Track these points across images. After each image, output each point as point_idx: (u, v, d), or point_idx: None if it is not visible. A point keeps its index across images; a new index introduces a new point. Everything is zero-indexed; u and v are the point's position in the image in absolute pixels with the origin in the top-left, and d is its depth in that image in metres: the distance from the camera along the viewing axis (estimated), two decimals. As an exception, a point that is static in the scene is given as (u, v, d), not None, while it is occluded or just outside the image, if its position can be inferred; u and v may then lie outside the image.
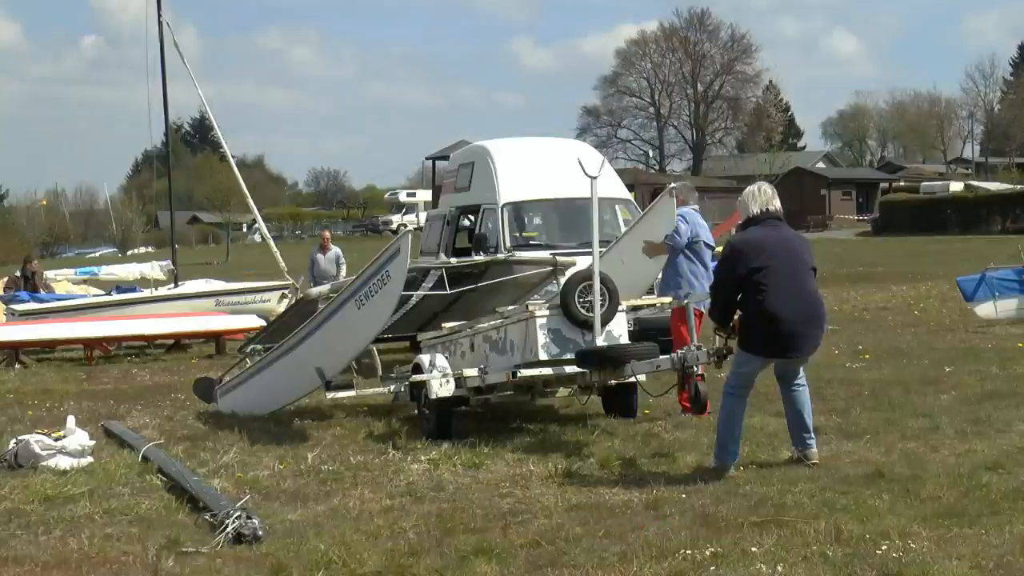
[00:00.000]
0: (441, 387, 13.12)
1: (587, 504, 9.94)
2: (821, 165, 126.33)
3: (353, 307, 13.17)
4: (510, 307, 13.86)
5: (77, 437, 12.31)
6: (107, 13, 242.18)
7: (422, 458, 12.02)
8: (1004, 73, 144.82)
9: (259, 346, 16.22)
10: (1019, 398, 13.97)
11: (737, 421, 11.07)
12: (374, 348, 14.20)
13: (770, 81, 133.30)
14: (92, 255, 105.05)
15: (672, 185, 14.10)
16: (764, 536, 8.52)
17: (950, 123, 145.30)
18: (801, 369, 11.20)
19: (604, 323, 12.64)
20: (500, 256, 16.65)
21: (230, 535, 9.00)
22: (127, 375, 21.55)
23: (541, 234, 20.40)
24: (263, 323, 24.48)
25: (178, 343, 25.87)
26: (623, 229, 20.02)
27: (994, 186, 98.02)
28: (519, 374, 12.78)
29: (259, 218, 36.13)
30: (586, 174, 12.67)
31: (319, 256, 27.70)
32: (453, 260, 16.38)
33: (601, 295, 12.56)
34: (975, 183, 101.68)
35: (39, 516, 10.08)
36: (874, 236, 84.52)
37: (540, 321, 12.68)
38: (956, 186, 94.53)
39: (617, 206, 20.72)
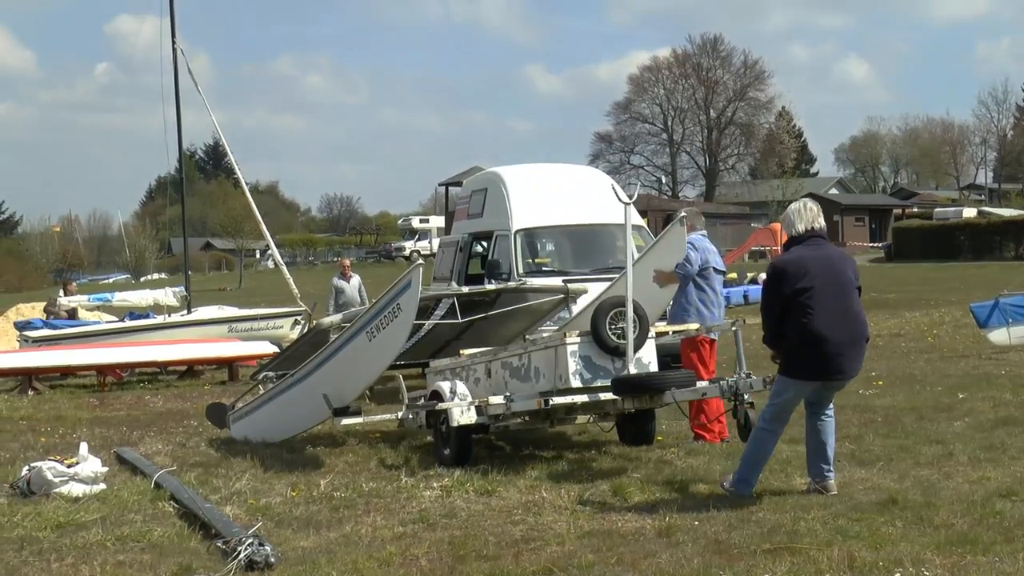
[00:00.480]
0: (463, 415, 12.94)
1: (599, 531, 9.92)
2: (834, 191, 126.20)
3: (364, 339, 13.25)
4: (543, 334, 13.78)
5: (90, 464, 12.32)
6: (120, 39, 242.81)
7: (434, 485, 12.01)
8: (1017, 99, 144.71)
9: (272, 373, 16.22)
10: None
11: (765, 456, 11.02)
12: (400, 375, 14.09)
13: (783, 107, 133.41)
14: (106, 281, 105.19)
15: (682, 214, 14.00)
16: (777, 563, 8.50)
17: (963, 149, 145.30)
18: (831, 403, 11.05)
19: (635, 350, 12.56)
20: (511, 284, 16.64)
21: (242, 562, 8.99)
22: (140, 401, 21.57)
23: (553, 260, 20.42)
24: (276, 349, 24.54)
25: (191, 369, 25.88)
26: (635, 255, 20.04)
27: (1007, 212, 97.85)
28: (552, 401, 12.56)
29: (272, 244, 36.24)
30: (620, 200, 12.79)
31: (342, 283, 27.62)
32: (465, 288, 16.39)
33: (632, 322, 12.47)
34: (988, 209, 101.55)
35: (51, 543, 10.07)
36: (887, 262, 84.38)
37: (571, 348, 12.56)
38: (969, 212, 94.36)
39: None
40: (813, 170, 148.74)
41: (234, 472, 13.14)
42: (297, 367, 14.99)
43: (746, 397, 11.70)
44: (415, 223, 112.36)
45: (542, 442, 14.24)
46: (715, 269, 14.33)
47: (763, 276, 52.05)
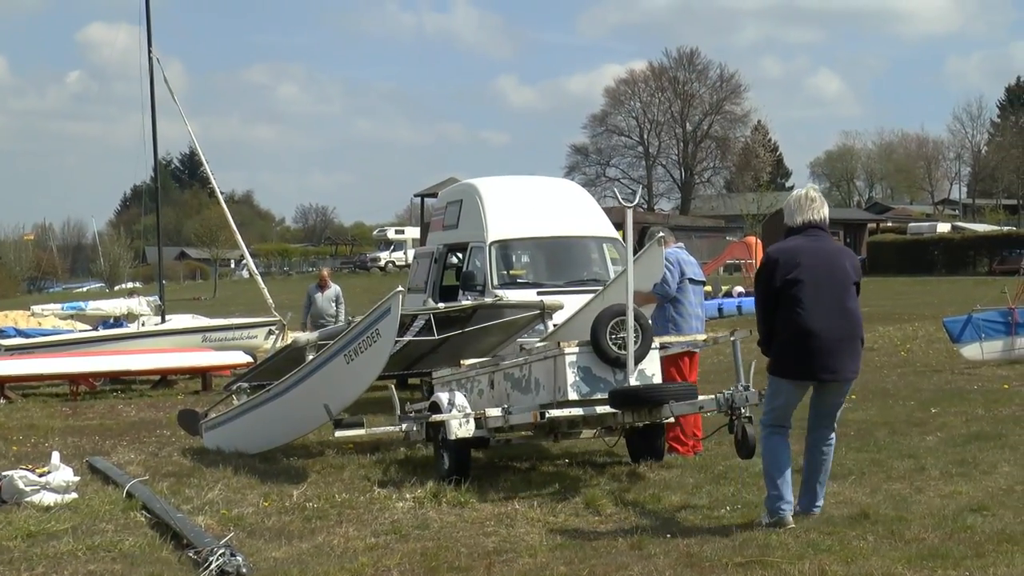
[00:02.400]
0: (461, 427, 12.46)
1: (572, 543, 9.93)
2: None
3: (342, 361, 13.29)
4: (538, 343, 13.35)
5: (61, 473, 12.28)
6: (92, 47, 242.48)
7: (407, 496, 12.00)
8: (991, 115, 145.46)
9: (246, 385, 16.20)
10: (1004, 440, 13.97)
11: (784, 464, 10.16)
12: (392, 386, 13.71)
13: (759, 121, 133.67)
14: (80, 290, 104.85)
15: (660, 233, 13.73)
16: (748, 576, 8.52)
17: (937, 164, 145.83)
18: (835, 424, 10.43)
19: (637, 361, 12.18)
20: (488, 300, 16.62)
21: (214, 572, 8.98)
22: (112, 411, 21.49)
23: (528, 273, 20.39)
24: (250, 359, 24.53)
25: (164, 379, 25.82)
26: (610, 267, 20.07)
27: (981, 227, 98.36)
28: (547, 414, 12.12)
29: (247, 254, 36.18)
30: (621, 203, 12.46)
31: (317, 295, 26.61)
32: (441, 305, 16.35)
33: (634, 331, 12.13)
34: (962, 224, 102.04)
35: (22, 552, 10.03)
36: (862, 277, 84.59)
37: (569, 359, 12.17)
38: (943, 227, 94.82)
39: (605, 244, 20.74)
40: (788, 184, 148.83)
41: (207, 482, 13.11)
42: (272, 381, 14.99)
43: (743, 411, 11.17)
44: (390, 234, 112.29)
45: (516, 454, 14.22)
46: (692, 280, 14.25)
47: (738, 289, 52.15)
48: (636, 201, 12.60)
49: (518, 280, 19.94)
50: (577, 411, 12.25)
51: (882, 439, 14.37)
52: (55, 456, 12.56)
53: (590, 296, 15.83)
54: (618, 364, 12.15)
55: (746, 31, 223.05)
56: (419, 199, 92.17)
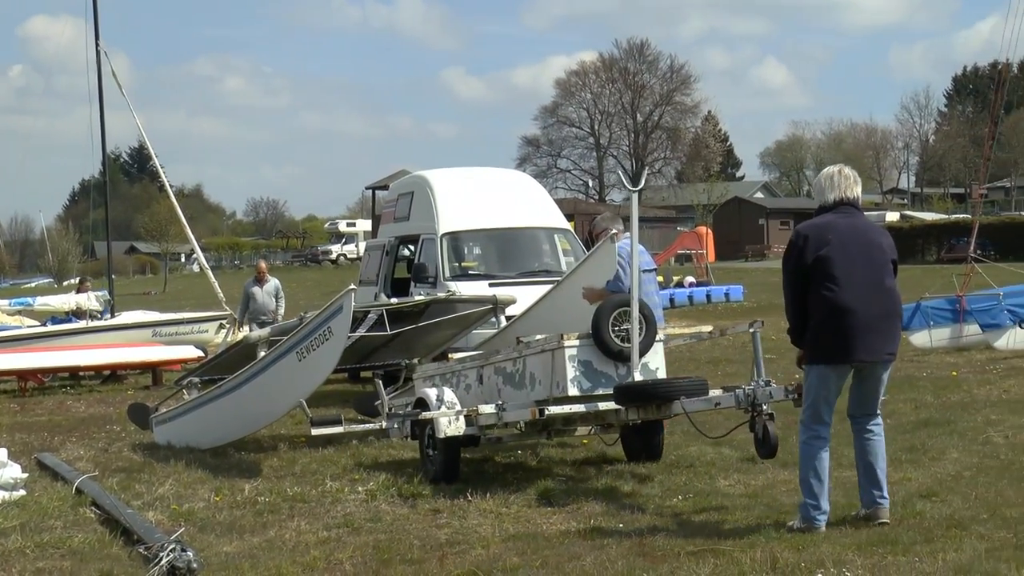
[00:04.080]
0: (450, 425, 11.87)
1: (524, 534, 9.94)
2: (759, 195, 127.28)
3: (294, 358, 13.24)
4: (538, 337, 12.52)
5: (9, 470, 12.18)
6: (35, 42, 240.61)
7: (359, 489, 11.98)
8: (939, 105, 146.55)
9: (196, 379, 16.14)
10: (953, 426, 14.06)
11: (824, 471, 9.57)
12: (380, 382, 13.14)
13: (709, 112, 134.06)
14: (27, 286, 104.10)
15: (613, 231, 13.27)
16: (700, 565, 8.53)
17: (886, 154, 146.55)
18: (879, 410, 9.85)
19: (641, 354, 11.66)
20: (441, 295, 16.58)
21: (164, 568, 8.91)
22: (61, 406, 21.35)
23: (480, 264, 20.39)
24: (201, 354, 24.39)
25: (114, 374, 25.68)
26: (561, 258, 20.08)
27: (929, 216, 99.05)
28: (547, 411, 11.63)
29: (197, 248, 35.98)
30: (627, 187, 11.74)
31: (255, 289, 25.10)
32: (394, 300, 16.31)
33: (638, 323, 11.60)
34: (910, 213, 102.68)
35: (-30, 550, 9.96)
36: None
37: (569, 352, 11.65)
38: (892, 216, 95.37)
39: (556, 235, 20.75)
40: (739, 174, 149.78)
41: (157, 477, 13.05)
42: (224, 376, 14.95)
43: (765, 408, 10.69)
44: (342, 227, 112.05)
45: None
46: (644, 270, 14.01)
47: (689, 279, 52.27)
48: (642, 183, 11.92)
49: (470, 272, 19.93)
50: (578, 408, 11.77)
51: (833, 427, 14.38)
52: (2, 453, 12.43)
53: (542, 287, 15.85)
54: (621, 358, 11.67)
55: (691, 22, 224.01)
56: (370, 192, 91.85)
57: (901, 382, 18.38)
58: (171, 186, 36.00)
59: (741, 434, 11.85)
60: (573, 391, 11.64)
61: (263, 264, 27.69)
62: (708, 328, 13.42)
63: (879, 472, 9.65)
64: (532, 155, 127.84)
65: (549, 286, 15.52)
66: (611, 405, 11.62)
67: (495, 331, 15.43)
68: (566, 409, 11.75)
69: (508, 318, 15.64)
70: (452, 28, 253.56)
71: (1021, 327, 22.00)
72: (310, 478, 12.77)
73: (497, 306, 15.80)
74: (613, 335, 11.64)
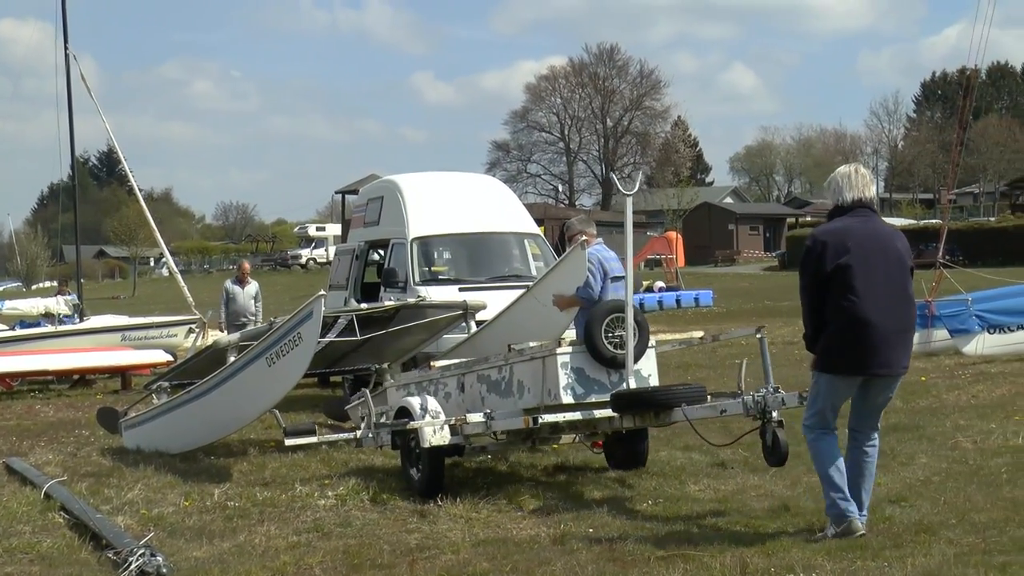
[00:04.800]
0: (435, 435, 11.73)
1: (494, 539, 9.94)
2: (729, 200, 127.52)
3: (264, 364, 13.22)
4: (531, 344, 12.16)
5: (-22, 474, 12.15)
6: (1, 45, 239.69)
7: (329, 494, 11.97)
8: (908, 110, 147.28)
9: (166, 383, 16.10)
10: (922, 431, 14.11)
11: (840, 464, 9.40)
12: (369, 393, 12.92)
13: (679, 117, 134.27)
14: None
15: (583, 237, 13.11)
16: (671, 570, 8.55)
17: (855, 159, 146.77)
18: (879, 425, 9.70)
19: (634, 360, 11.49)
20: (411, 300, 16.55)
21: (133, 573, 8.91)
22: (30, 411, 21.28)
23: (450, 269, 20.37)
24: (170, 358, 24.32)
25: (83, 379, 25.58)
26: (531, 263, 20.09)
27: (898, 221, 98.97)
28: (541, 420, 11.43)
29: (166, 252, 35.91)
30: (620, 190, 11.49)
31: (236, 288, 24.61)
32: (364, 306, 16.27)
33: (631, 329, 11.38)
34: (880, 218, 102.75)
35: (-62, 555, 9.92)
36: (781, 271, 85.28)
37: (562, 359, 11.44)
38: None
39: (526, 240, 20.76)
40: (708, 179, 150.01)
41: (126, 482, 13.01)
42: (193, 381, 14.92)
43: (775, 415, 10.42)
44: (311, 231, 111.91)
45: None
46: (614, 278, 13.90)
47: (659, 284, 52.33)
48: (635, 188, 11.64)
49: (440, 276, 19.92)
50: (574, 415, 11.58)
51: (801, 432, 14.42)
52: (-29, 457, 12.43)
53: (512, 292, 15.86)
54: (614, 364, 11.47)
55: (659, 27, 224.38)
56: (340, 196, 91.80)
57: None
58: (140, 190, 35.88)
59: (712, 438, 11.86)
60: (567, 398, 11.42)
61: (247, 265, 27.16)
62: (699, 333, 13.22)
63: (864, 493, 9.49)
64: (502, 160, 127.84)
65: (519, 291, 15.52)
66: (606, 412, 11.46)
67: (466, 336, 15.42)
68: (561, 417, 11.55)
69: (479, 323, 15.63)
70: (421, 32, 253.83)
71: (989, 333, 22.09)
72: (280, 483, 12.75)
73: (467, 311, 15.79)
74: (606, 341, 11.45)
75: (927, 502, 10.32)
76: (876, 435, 9.65)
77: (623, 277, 13.80)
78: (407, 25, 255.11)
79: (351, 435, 12.83)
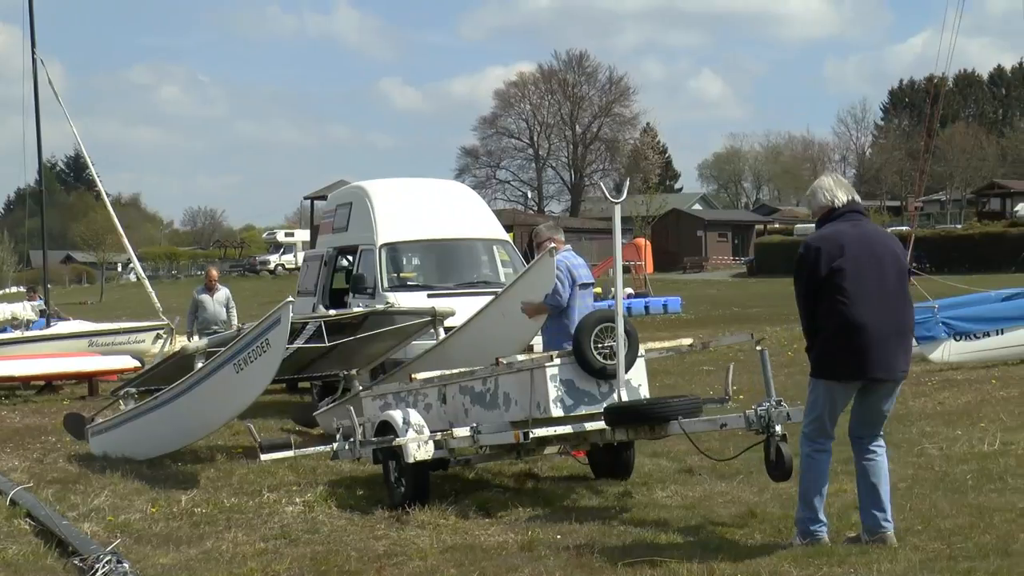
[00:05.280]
0: (419, 450, 11.48)
1: (462, 545, 9.93)
2: (697, 207, 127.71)
3: (232, 370, 13.18)
4: (519, 357, 12.04)
5: (-57, 481, 12.09)
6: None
7: (297, 500, 11.96)
8: (875, 118, 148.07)
9: (133, 389, 16.05)
10: (888, 438, 13.99)
11: (824, 484, 9.28)
12: (352, 411, 12.55)
13: (647, 123, 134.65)
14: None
15: (551, 245, 13.06)
16: (638, 576, 8.57)
17: (823, 166, 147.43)
18: (883, 431, 9.48)
19: (624, 370, 11.18)
20: (380, 307, 16.53)
21: (100, 580, 8.87)
22: (-4, 417, 21.18)
23: (419, 275, 20.39)
24: (137, 364, 24.23)
25: (50, 384, 25.46)
26: (500, 269, 20.11)
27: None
28: (532, 434, 11.07)
29: (134, 257, 35.81)
30: (607, 197, 11.08)
31: (205, 297, 23.82)
32: (332, 312, 16.24)
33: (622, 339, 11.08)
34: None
35: (-98, 562, 9.87)
36: (749, 277, 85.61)
37: (551, 371, 11.14)
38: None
39: (495, 247, 20.79)
40: (677, 186, 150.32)
41: (93, 489, 12.98)
42: (161, 387, 14.89)
43: (778, 429, 9.85)
44: (280, 236, 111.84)
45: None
46: (582, 285, 13.59)
47: (627, 290, 52.39)
48: (623, 196, 11.28)
49: (408, 282, 19.92)
50: (565, 428, 11.28)
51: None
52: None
53: (480, 298, 15.88)
54: (604, 375, 11.21)
55: (627, 34, 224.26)
56: (309, 202, 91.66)
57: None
58: (108, 195, 35.77)
59: (679, 445, 11.90)
60: (557, 411, 11.13)
61: (214, 271, 25.61)
62: (688, 341, 13.03)
63: (883, 494, 9.25)
64: (471, 166, 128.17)
65: (488, 297, 15.53)
66: (597, 424, 11.18)
67: (434, 343, 15.41)
68: (552, 431, 11.24)
69: (447, 330, 15.63)
70: (389, 38, 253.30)
71: (956, 340, 22.18)
72: (247, 489, 12.73)
73: (436, 318, 15.79)
74: (595, 352, 11.20)
75: (893, 508, 10.32)
76: (881, 439, 9.42)
77: (591, 284, 13.87)
78: (375, 30, 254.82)
79: (327, 447, 12.58)
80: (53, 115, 32.58)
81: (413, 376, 12.96)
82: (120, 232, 33.87)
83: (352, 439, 12.15)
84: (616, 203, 11.12)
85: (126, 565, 9.02)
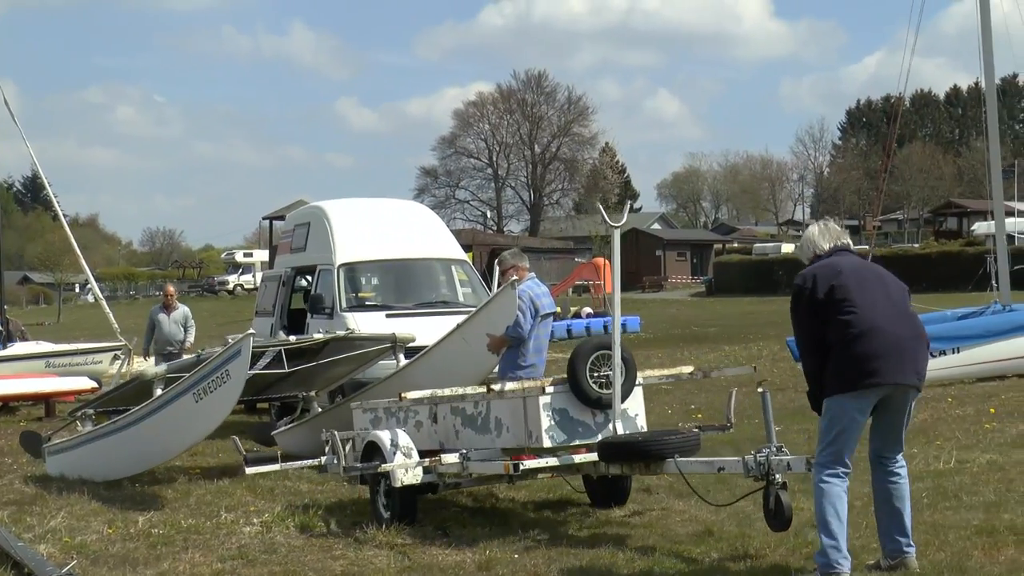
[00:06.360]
0: (407, 474, 11.29)
1: (420, 565, 9.94)
2: (656, 226, 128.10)
3: (191, 399, 13.20)
4: (511, 386, 11.61)
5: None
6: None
7: (255, 520, 11.93)
8: (833, 138, 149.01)
9: (91, 411, 15.98)
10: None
11: (841, 508, 8.69)
12: (335, 433, 12.31)
13: (606, 143, 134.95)
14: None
15: (514, 277, 12.96)
16: (595, 595, 8.59)
17: (781, 186, 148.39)
18: (903, 448, 9.07)
19: (621, 400, 10.92)
20: (340, 333, 16.48)
21: (56, 601, 8.84)
22: (-48, 439, 21.02)
23: (377, 295, 20.38)
24: (95, 385, 24.10)
25: (6, 406, 25.31)
26: (459, 289, 20.12)
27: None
28: (523, 466, 10.71)
29: (91, 278, 35.63)
30: (606, 222, 10.75)
31: (162, 316, 23.22)
32: (292, 338, 16.17)
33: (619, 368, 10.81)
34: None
35: None
36: (708, 296, 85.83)
37: (544, 400, 10.78)
38: (787, 248, 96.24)
39: (453, 267, 20.80)
40: (636, 205, 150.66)
41: (49, 510, 12.92)
42: (120, 410, 14.87)
43: (778, 477, 9.48)
44: (239, 257, 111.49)
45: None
46: (544, 315, 13.36)
47: (587, 310, 52.44)
48: (623, 221, 10.95)
49: (367, 303, 19.91)
50: (553, 461, 10.89)
51: (726, 456, 14.49)
52: None
53: (439, 318, 15.93)
54: (599, 405, 10.91)
55: (583, 54, 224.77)
56: (267, 222, 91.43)
57: (795, 412, 18.56)
58: (65, 216, 35.55)
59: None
60: (547, 443, 10.80)
61: (171, 288, 25.02)
62: (689, 369, 12.82)
63: (906, 518, 8.92)
64: (430, 186, 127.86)
65: (446, 316, 15.56)
66: (590, 457, 10.87)
67: (394, 371, 15.38)
68: (543, 463, 10.88)
69: (411, 352, 15.61)
70: (344, 58, 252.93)
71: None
72: (205, 509, 12.70)
73: (396, 344, 15.80)
74: (591, 381, 10.85)
75: (849, 527, 10.36)
76: (902, 457, 9.03)
77: (552, 314, 13.77)
78: (330, 51, 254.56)
79: (315, 461, 12.49)
80: (8, 135, 32.49)
81: (403, 395, 12.38)
82: (77, 253, 33.69)
83: (338, 456, 12.09)
84: (616, 227, 10.82)
85: (82, 586, 9.00)
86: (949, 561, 9.00)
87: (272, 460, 12.48)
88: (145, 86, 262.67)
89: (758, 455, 9.54)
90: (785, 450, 9.64)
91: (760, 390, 10.20)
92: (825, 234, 9.13)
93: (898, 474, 8.94)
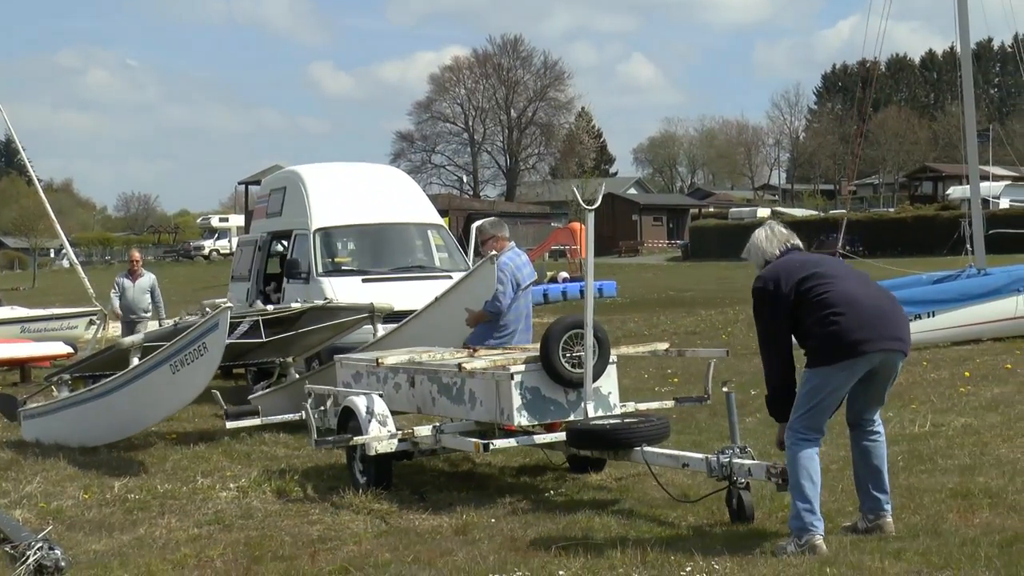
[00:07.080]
0: (382, 444, 11.23)
1: (397, 530, 9.96)
2: (633, 191, 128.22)
3: (168, 371, 13.15)
4: (483, 362, 11.33)
5: None
6: None
7: (231, 486, 11.93)
8: (809, 103, 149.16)
9: (67, 376, 15.95)
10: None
11: (814, 470, 8.62)
12: (308, 406, 12.00)
13: (582, 108, 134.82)
14: None
15: (492, 252, 12.92)
16: (571, 559, 8.59)
17: (757, 151, 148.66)
18: (878, 414, 9.06)
19: (593, 379, 10.92)
20: (318, 303, 16.44)
21: (31, 567, 8.82)
22: (-73, 404, 20.94)
23: (353, 260, 20.32)
24: (71, 350, 24.02)
25: (-19, 371, 25.24)
26: (435, 254, 20.09)
27: (799, 212, 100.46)
28: (492, 446, 10.85)
29: (67, 243, 35.55)
30: (582, 204, 10.67)
31: (127, 282, 23.30)
32: (270, 307, 16.14)
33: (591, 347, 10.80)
34: (781, 209, 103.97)
35: None
36: (684, 261, 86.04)
37: (515, 379, 10.74)
38: (763, 212, 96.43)
39: (429, 231, 20.75)
40: (612, 170, 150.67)
41: (25, 475, 12.90)
42: (96, 376, 14.86)
43: (741, 480, 9.51)
44: (215, 222, 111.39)
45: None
46: (523, 287, 13.37)
47: (563, 275, 52.50)
48: (597, 203, 10.78)
49: (343, 267, 19.87)
50: (525, 440, 11.09)
51: (703, 421, 14.57)
52: None
53: (415, 282, 15.91)
54: (572, 385, 10.88)
55: (557, 18, 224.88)
56: (243, 187, 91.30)
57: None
58: (40, 180, 35.37)
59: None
60: (520, 421, 10.82)
61: (136, 253, 24.94)
62: (664, 346, 12.82)
63: (884, 475, 8.95)
64: (406, 150, 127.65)
65: (422, 281, 15.55)
66: (559, 437, 10.95)
67: (372, 340, 15.37)
68: (513, 442, 11.07)
69: (398, 316, 15.56)
70: (318, 22, 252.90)
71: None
72: (181, 475, 12.70)
73: (374, 314, 15.78)
74: (564, 361, 10.82)
75: (824, 490, 10.34)
76: (879, 417, 9.06)
77: (532, 283, 13.76)
78: (304, 15, 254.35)
79: (295, 416, 12.64)
80: (-20, 100, 32.14)
81: (380, 360, 12.30)
82: (52, 218, 33.61)
83: (323, 408, 12.22)
84: (590, 210, 10.78)
85: (58, 552, 8.97)
86: (924, 524, 9.05)
87: (253, 414, 12.69)
88: (118, 50, 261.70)
89: (721, 456, 9.61)
90: (749, 451, 9.75)
91: (725, 390, 10.26)
92: (772, 239, 9.09)
93: (877, 432, 9.00)
